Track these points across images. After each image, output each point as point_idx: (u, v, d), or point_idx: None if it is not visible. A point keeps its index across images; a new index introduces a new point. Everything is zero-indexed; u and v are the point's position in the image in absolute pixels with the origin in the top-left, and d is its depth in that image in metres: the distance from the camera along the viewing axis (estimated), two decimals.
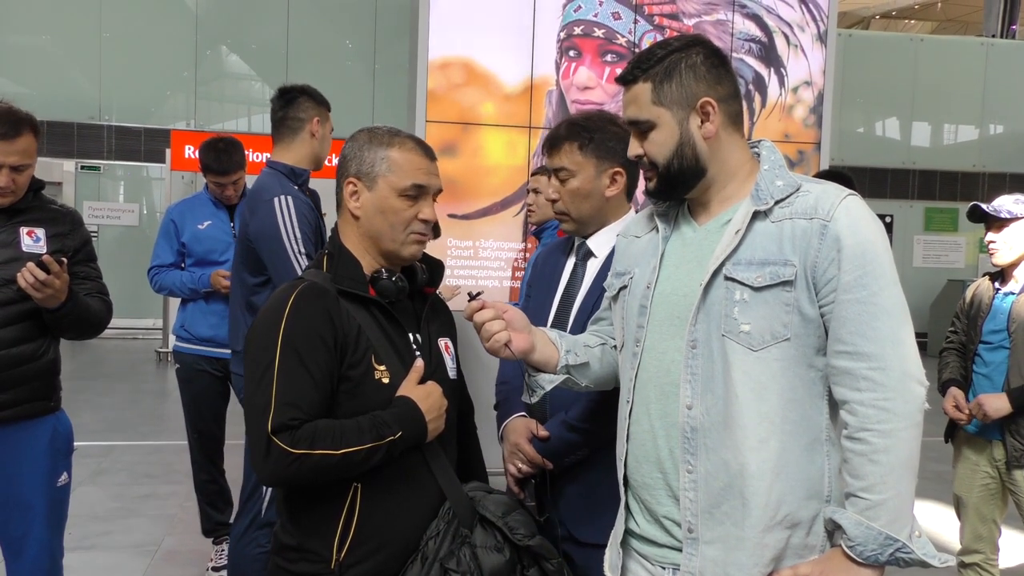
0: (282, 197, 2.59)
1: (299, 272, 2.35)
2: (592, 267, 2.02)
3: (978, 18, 14.84)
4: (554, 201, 2.01)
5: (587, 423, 1.89)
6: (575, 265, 2.05)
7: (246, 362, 1.55)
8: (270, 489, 2.68)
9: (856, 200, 1.39)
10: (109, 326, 9.03)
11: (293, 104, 2.79)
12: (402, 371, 1.59)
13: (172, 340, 4.06)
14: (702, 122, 1.44)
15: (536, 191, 3.89)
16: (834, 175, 3.45)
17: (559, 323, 1.98)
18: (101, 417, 6.51)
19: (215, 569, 3.59)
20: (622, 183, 1.98)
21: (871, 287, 1.33)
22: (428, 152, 1.67)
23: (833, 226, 1.35)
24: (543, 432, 1.91)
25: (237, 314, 2.82)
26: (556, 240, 2.27)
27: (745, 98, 6.70)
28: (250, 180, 3.36)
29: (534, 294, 2.12)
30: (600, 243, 2.02)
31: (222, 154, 3.61)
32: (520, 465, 1.94)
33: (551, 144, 2.00)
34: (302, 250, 2.53)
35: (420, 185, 1.62)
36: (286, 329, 1.51)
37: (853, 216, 1.36)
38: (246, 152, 3.93)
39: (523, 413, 2.01)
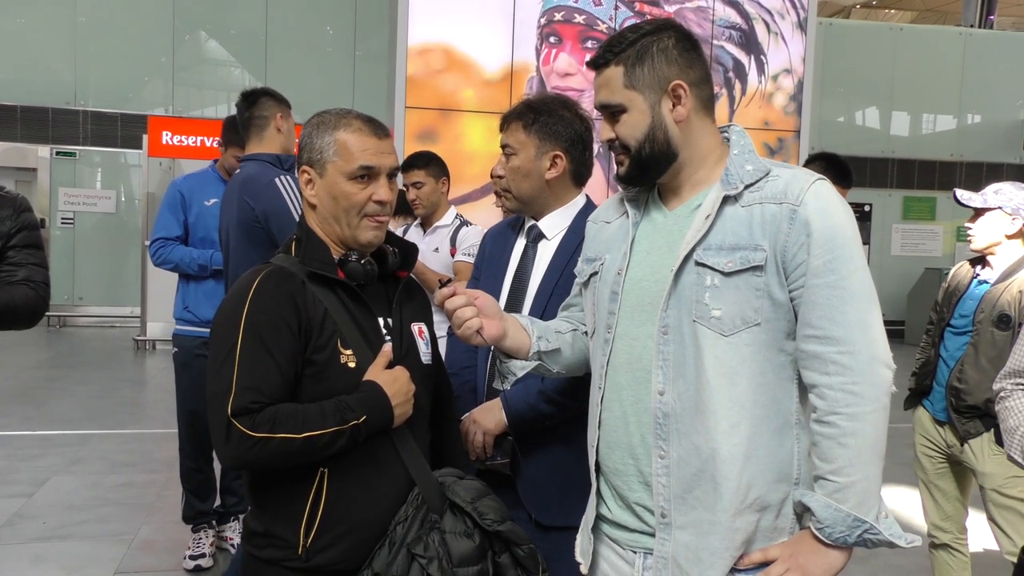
0: (283, 176, 2.81)
1: None
2: (544, 249, 2.04)
3: (957, 8, 14.94)
4: (500, 177, 2.03)
5: (563, 396, 1.91)
6: (525, 247, 2.06)
7: (210, 346, 1.54)
8: None
9: (825, 185, 1.39)
10: (86, 314, 8.90)
11: (256, 104, 3.04)
12: (370, 355, 1.58)
13: (148, 326, 4.00)
14: (673, 106, 1.44)
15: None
16: (832, 164, 3.45)
17: (513, 306, 1.99)
18: (78, 406, 6.45)
19: (191, 558, 3.57)
20: (561, 167, 2.01)
21: (840, 271, 1.33)
22: (378, 130, 1.63)
23: (802, 211, 1.35)
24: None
25: None
26: (504, 221, 2.27)
27: (725, 85, 6.71)
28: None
29: (483, 276, 2.13)
30: (550, 225, 2.04)
31: None
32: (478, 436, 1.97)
33: (503, 122, 2.04)
34: None
35: (368, 166, 1.59)
36: (249, 313, 1.49)
37: (822, 201, 1.36)
38: None
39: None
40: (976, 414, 2.80)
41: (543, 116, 1.98)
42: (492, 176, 2.06)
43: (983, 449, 2.81)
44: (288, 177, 2.82)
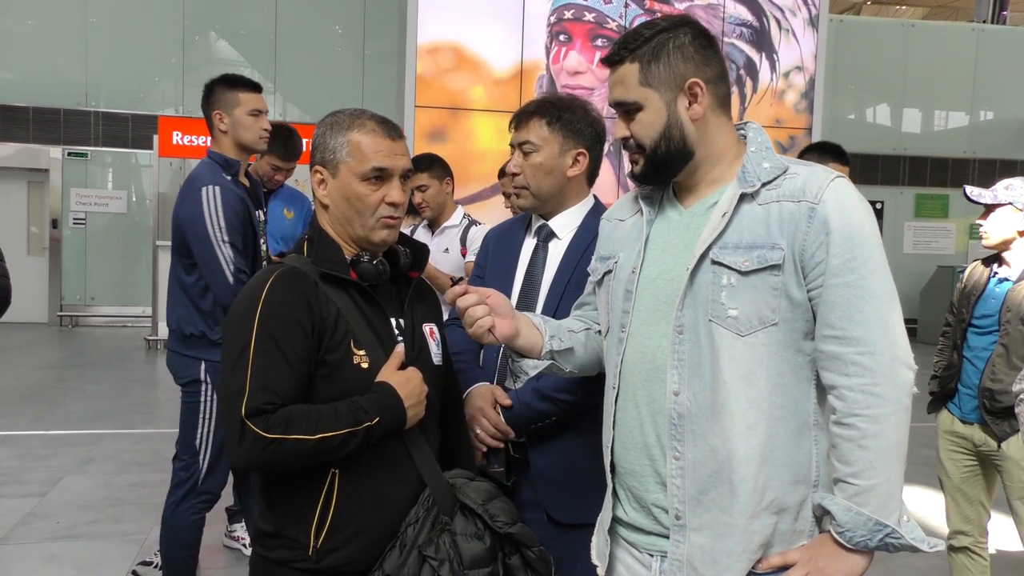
0: (210, 187, 2.80)
1: (220, 259, 2.73)
2: (555, 248, 2.02)
3: (969, 4, 14.82)
4: (514, 175, 2.00)
5: (560, 393, 1.89)
6: (536, 246, 2.05)
7: (222, 347, 1.53)
8: (207, 460, 2.89)
9: (844, 182, 1.36)
10: (98, 314, 8.96)
11: (205, 102, 3.00)
12: (382, 356, 1.57)
13: (160, 326, 3.97)
14: (690, 103, 1.42)
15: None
16: (826, 147, 3.45)
17: (525, 305, 1.98)
18: (89, 406, 6.47)
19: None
20: (584, 164, 2.00)
21: (859, 271, 1.31)
22: (391, 131, 1.62)
23: (821, 209, 1.32)
24: (506, 401, 1.91)
25: (173, 294, 2.98)
26: (509, 220, 2.26)
27: (736, 83, 6.67)
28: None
29: (488, 275, 2.11)
30: (562, 224, 2.03)
31: (288, 141, 3.79)
32: (479, 431, 1.93)
33: (519, 119, 2.00)
34: (225, 239, 2.75)
35: (381, 168, 1.58)
36: (262, 313, 1.48)
37: (841, 199, 1.34)
38: None
39: (485, 382, 2.01)
40: (1011, 413, 2.77)
41: (567, 113, 1.97)
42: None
43: (1016, 445, 2.78)
44: (215, 188, 2.79)
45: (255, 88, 3.03)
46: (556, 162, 1.97)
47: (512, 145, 2.02)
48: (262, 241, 3.11)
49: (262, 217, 3.12)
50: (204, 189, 2.79)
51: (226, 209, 2.78)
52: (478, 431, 1.93)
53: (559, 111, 1.97)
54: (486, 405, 1.93)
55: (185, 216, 2.81)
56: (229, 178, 2.90)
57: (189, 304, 2.91)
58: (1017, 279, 2.83)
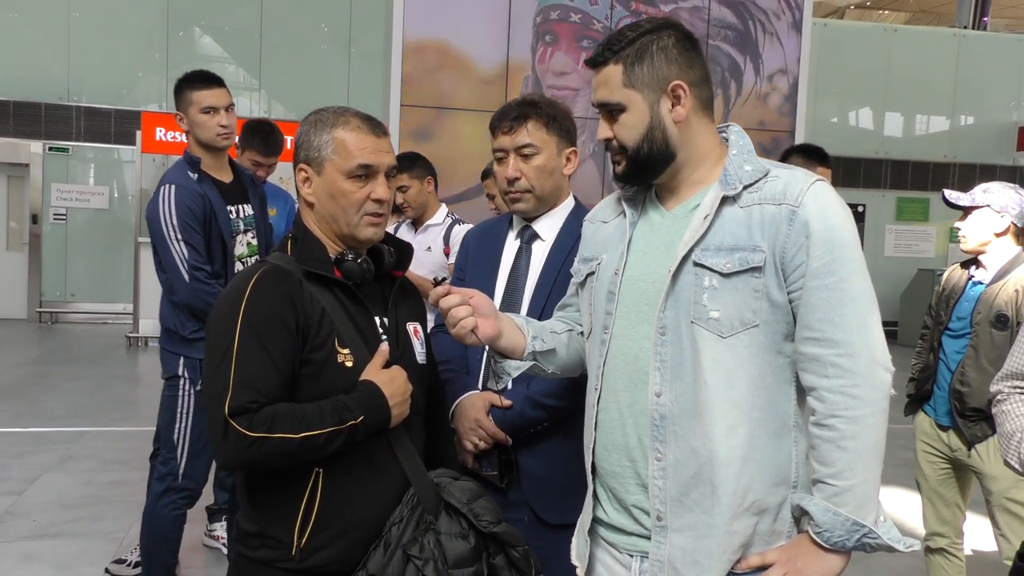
0: (167, 186, 2.87)
1: (174, 257, 2.81)
2: (539, 250, 2.04)
3: (951, 9, 14.97)
4: (514, 180, 1.99)
5: (551, 399, 1.91)
6: (519, 248, 2.06)
7: (206, 345, 1.53)
8: (185, 455, 2.87)
9: (824, 186, 1.38)
10: (78, 310, 8.93)
11: (175, 102, 3.05)
12: (367, 355, 1.57)
13: (140, 323, 3.93)
14: (673, 106, 1.43)
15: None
16: (809, 149, 3.48)
17: (508, 307, 1.99)
18: (70, 403, 6.42)
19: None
20: (575, 162, 2.06)
21: (839, 273, 1.32)
22: (376, 128, 1.62)
23: (802, 212, 1.34)
24: (507, 402, 1.92)
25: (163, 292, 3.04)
26: (489, 221, 2.28)
27: (721, 85, 6.70)
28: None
29: (470, 276, 2.12)
30: (546, 226, 2.05)
31: (269, 136, 3.83)
32: (477, 441, 1.94)
33: (511, 123, 1.98)
34: (179, 237, 2.82)
35: (367, 164, 1.58)
36: (246, 311, 1.48)
37: (821, 202, 1.35)
38: None
39: (476, 390, 2.02)
40: (981, 417, 2.78)
41: (557, 113, 2.01)
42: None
43: (990, 453, 2.80)
44: (171, 187, 2.85)
45: (210, 84, 3.00)
46: (556, 162, 2.01)
47: (503, 150, 2.00)
48: (249, 236, 3.10)
49: (247, 212, 3.11)
50: (162, 188, 2.86)
51: (179, 207, 2.82)
52: (476, 440, 1.94)
53: (551, 111, 2.00)
54: (481, 416, 1.94)
55: (147, 215, 2.89)
56: (195, 176, 2.92)
57: (165, 300, 2.95)
58: (990, 281, 2.85)
